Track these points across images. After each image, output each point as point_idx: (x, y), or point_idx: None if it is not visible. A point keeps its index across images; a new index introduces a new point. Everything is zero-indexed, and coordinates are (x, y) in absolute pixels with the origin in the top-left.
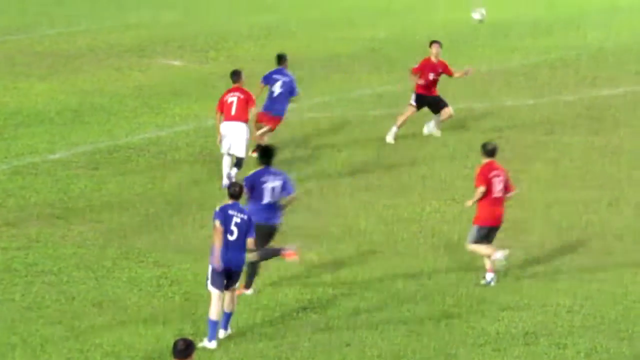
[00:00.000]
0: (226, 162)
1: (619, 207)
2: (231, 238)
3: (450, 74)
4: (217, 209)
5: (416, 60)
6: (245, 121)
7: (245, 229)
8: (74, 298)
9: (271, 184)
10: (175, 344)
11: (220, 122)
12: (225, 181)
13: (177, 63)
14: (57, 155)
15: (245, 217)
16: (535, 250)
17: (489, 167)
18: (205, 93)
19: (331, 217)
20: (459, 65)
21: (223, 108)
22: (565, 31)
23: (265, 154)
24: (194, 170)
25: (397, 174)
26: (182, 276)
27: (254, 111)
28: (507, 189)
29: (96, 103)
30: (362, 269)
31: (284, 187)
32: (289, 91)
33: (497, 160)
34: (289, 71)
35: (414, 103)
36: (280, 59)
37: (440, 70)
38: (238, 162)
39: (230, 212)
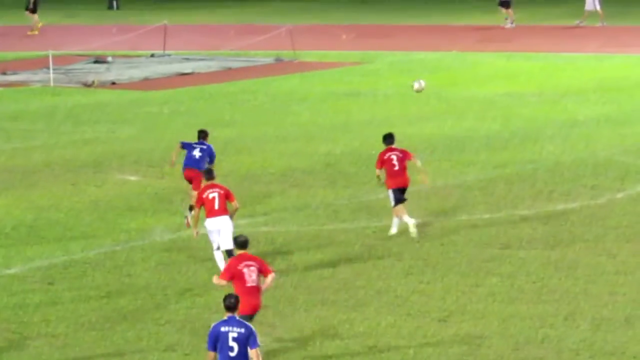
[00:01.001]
0: (219, 257)
1: (575, 322)
2: (232, 354)
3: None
4: (211, 328)
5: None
6: (228, 214)
7: (244, 341)
8: None
9: None
10: None
11: (197, 215)
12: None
13: (133, 178)
14: (12, 270)
15: (243, 329)
16: None
17: (239, 259)
18: (161, 208)
19: (286, 332)
20: (417, 180)
21: (203, 203)
22: (521, 145)
23: None
24: (149, 285)
25: (352, 289)
26: None
27: (235, 204)
28: (264, 274)
29: (52, 218)
30: None
31: None
32: (209, 155)
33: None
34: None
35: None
36: (202, 133)
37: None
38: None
39: (224, 328)
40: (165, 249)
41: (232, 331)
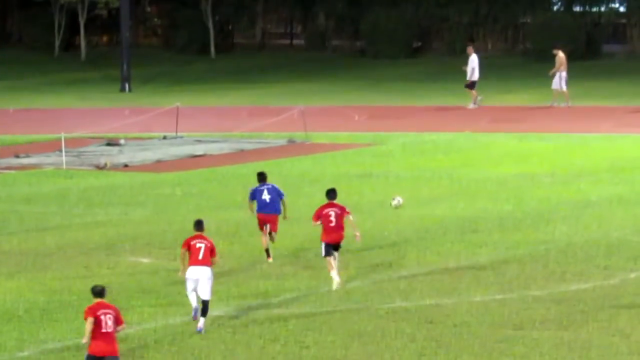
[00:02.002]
0: (193, 297)
1: None
2: None
3: None
4: None
5: None
6: (210, 265)
7: None
8: None
9: None
10: None
11: (184, 260)
12: (195, 304)
13: (145, 260)
14: (25, 353)
15: None
16: None
17: (96, 306)
18: (173, 290)
19: None
20: (429, 261)
21: (189, 250)
22: (534, 226)
23: None
24: None
25: None
26: None
27: (216, 259)
28: (117, 323)
29: (64, 300)
30: None
31: None
32: (278, 194)
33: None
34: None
35: None
36: (261, 176)
37: None
38: (204, 309)
39: None
40: (178, 331)
41: None
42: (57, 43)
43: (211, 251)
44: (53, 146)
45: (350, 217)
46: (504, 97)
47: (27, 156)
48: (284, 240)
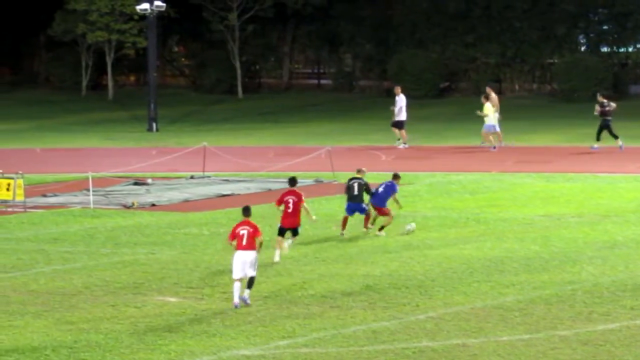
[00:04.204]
0: (237, 287)
1: None
2: None
3: None
4: None
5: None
6: (254, 249)
7: None
8: None
9: None
10: None
11: (234, 248)
12: (237, 301)
13: (172, 300)
14: None
15: None
16: None
17: None
18: (200, 330)
19: None
20: (456, 301)
21: (235, 238)
22: (560, 267)
23: None
24: None
25: None
26: None
27: (260, 239)
28: None
29: (92, 340)
30: None
31: None
32: (392, 191)
33: None
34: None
35: None
36: (395, 176)
37: None
38: (250, 282)
39: None
40: None
41: None
42: (84, 83)
43: (254, 234)
44: (80, 185)
45: (305, 204)
46: (531, 137)
47: (55, 195)
48: (311, 280)
